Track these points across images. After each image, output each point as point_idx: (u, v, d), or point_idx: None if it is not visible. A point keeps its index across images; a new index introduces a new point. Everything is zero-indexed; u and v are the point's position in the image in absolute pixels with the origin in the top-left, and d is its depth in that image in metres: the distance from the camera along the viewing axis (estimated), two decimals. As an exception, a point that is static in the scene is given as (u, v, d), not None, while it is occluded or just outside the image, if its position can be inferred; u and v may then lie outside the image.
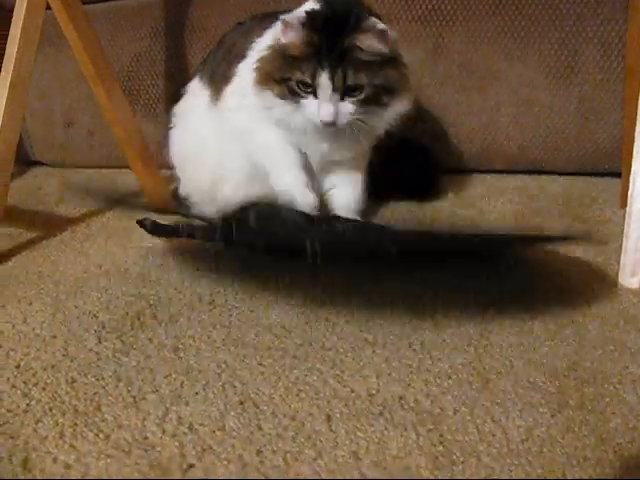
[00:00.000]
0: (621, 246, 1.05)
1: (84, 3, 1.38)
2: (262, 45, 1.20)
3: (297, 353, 0.89)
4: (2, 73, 1.26)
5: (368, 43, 1.09)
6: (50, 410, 0.79)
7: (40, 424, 0.76)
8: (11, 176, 1.32)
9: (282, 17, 1.12)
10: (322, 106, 1.10)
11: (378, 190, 1.34)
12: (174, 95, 1.77)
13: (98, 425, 0.76)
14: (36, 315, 1.04)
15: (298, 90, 1.13)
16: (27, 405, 0.80)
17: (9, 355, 0.92)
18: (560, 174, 1.62)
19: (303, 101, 1.13)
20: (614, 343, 0.88)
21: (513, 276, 1.10)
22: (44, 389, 0.83)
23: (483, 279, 1.09)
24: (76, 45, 1.35)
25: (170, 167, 1.49)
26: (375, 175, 1.32)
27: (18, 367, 0.89)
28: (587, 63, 1.51)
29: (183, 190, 1.49)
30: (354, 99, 1.11)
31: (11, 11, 1.27)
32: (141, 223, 1.28)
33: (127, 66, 1.86)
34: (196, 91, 1.39)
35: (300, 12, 1.13)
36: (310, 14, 1.12)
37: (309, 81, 1.10)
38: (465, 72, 1.59)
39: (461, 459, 0.68)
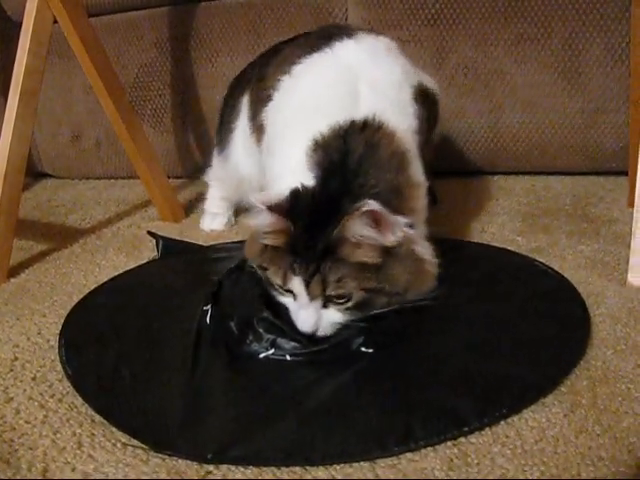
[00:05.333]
0: (629, 245, 1.06)
1: (90, 16, 1.40)
2: (275, 109, 1.07)
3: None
4: (12, 85, 1.27)
5: (359, 232, 0.83)
6: (67, 421, 0.80)
7: (58, 435, 0.77)
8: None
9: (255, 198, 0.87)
10: (299, 313, 0.88)
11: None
12: (180, 105, 1.80)
13: (115, 434, 0.77)
14: (50, 327, 1.04)
15: (274, 286, 0.91)
16: (44, 416, 0.81)
17: (25, 367, 0.93)
18: (567, 174, 1.62)
19: (282, 299, 0.91)
20: (625, 342, 0.88)
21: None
22: (60, 400, 0.84)
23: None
24: (83, 57, 1.36)
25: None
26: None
27: (34, 379, 0.90)
28: (592, 63, 1.51)
29: None
30: (341, 307, 0.87)
31: (19, 24, 1.29)
32: (152, 234, 1.30)
33: (133, 77, 1.88)
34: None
35: (283, 188, 0.90)
36: (294, 195, 0.88)
37: (280, 283, 0.89)
38: (470, 74, 1.59)
39: (475, 461, 0.69)
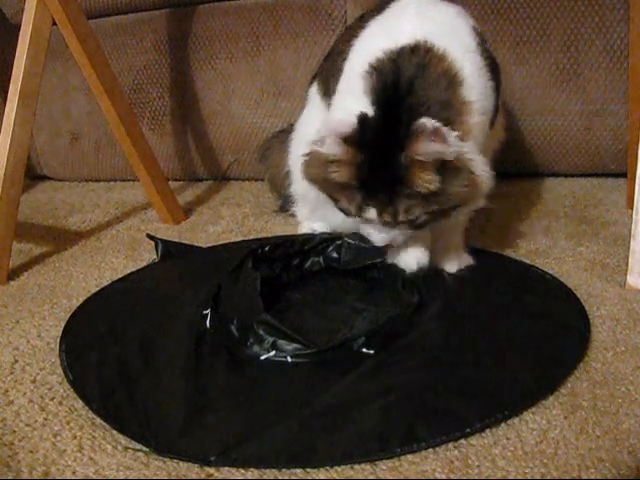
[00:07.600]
0: (629, 247, 1.06)
1: (89, 18, 1.40)
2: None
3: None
4: (11, 88, 1.27)
5: (425, 151, 0.89)
6: (68, 424, 0.80)
7: (59, 437, 0.77)
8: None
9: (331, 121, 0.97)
10: (373, 233, 1.02)
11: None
12: (179, 107, 1.80)
13: (116, 437, 0.77)
14: (50, 329, 1.04)
15: (346, 212, 1.01)
16: (45, 419, 0.81)
17: (25, 370, 0.93)
18: (566, 176, 1.62)
19: (353, 218, 1.02)
20: (624, 344, 0.89)
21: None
22: (61, 403, 0.84)
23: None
24: (82, 59, 1.36)
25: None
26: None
27: (34, 381, 0.90)
28: (591, 65, 1.51)
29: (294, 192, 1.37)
30: (408, 226, 0.99)
31: (18, 27, 1.29)
32: (152, 237, 1.30)
33: (132, 79, 1.88)
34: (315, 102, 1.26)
35: (349, 113, 0.95)
36: (362, 122, 0.94)
37: (354, 213, 0.99)
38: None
39: (476, 463, 0.69)
